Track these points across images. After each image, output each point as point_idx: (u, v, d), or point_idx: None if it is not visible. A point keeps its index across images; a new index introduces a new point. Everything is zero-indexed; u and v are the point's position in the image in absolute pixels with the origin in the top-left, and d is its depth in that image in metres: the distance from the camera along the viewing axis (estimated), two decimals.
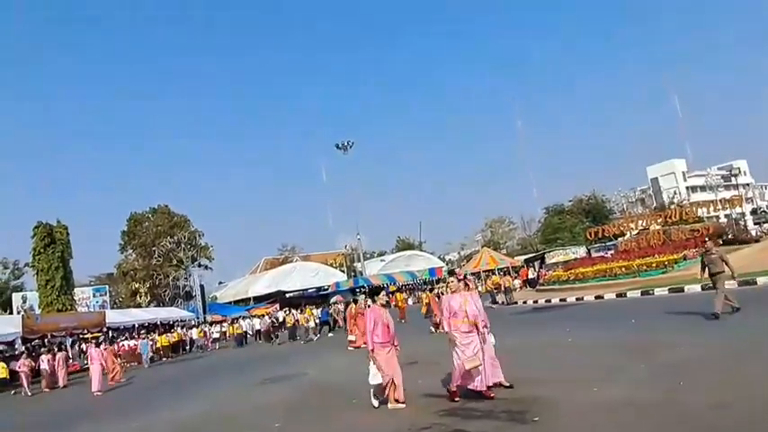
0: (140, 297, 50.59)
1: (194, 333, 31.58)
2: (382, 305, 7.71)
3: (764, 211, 48.01)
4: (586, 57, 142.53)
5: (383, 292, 7.80)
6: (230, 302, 53.99)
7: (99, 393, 15.19)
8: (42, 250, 33.39)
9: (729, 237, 27.82)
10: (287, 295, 50.24)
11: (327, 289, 50.53)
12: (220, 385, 13.00)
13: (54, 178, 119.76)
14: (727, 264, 10.52)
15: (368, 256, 73.73)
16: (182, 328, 32.13)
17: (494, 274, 29.38)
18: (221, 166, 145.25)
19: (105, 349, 17.67)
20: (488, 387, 6.76)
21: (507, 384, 7.12)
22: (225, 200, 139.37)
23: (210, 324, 36.39)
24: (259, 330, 28.95)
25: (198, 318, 42.08)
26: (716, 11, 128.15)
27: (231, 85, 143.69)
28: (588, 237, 34.75)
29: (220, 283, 67.07)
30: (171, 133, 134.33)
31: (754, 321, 9.58)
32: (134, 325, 31.68)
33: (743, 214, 39.61)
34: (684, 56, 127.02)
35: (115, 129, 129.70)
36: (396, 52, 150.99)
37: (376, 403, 7.22)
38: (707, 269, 10.75)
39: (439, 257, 73.54)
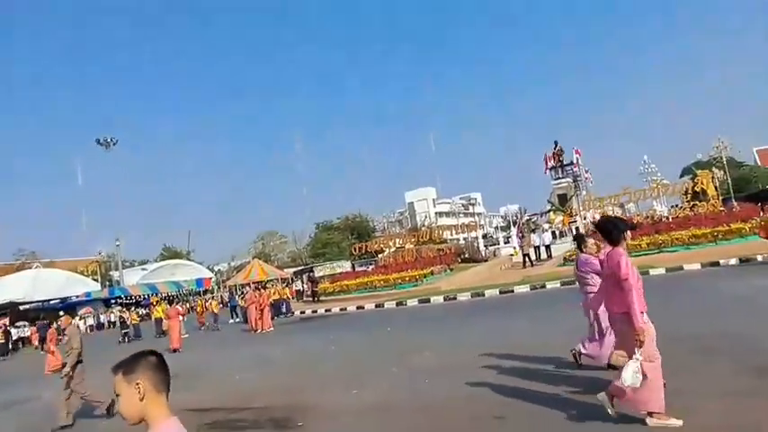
0: None
1: None
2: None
3: (492, 237, 59.12)
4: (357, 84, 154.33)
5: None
6: None
7: None
8: None
9: (466, 256, 33.12)
10: (21, 307, 42.34)
11: (76, 299, 44.73)
12: None
13: None
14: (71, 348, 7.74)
15: (127, 264, 66.89)
16: None
17: (273, 286, 29.64)
18: None
19: None
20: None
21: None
22: None
23: None
24: None
25: None
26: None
27: None
28: (353, 252, 37.34)
29: None
30: None
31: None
32: None
33: (476, 238, 47.44)
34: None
35: None
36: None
37: (679, 422, 4.33)
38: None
39: (208, 267, 70.50)
